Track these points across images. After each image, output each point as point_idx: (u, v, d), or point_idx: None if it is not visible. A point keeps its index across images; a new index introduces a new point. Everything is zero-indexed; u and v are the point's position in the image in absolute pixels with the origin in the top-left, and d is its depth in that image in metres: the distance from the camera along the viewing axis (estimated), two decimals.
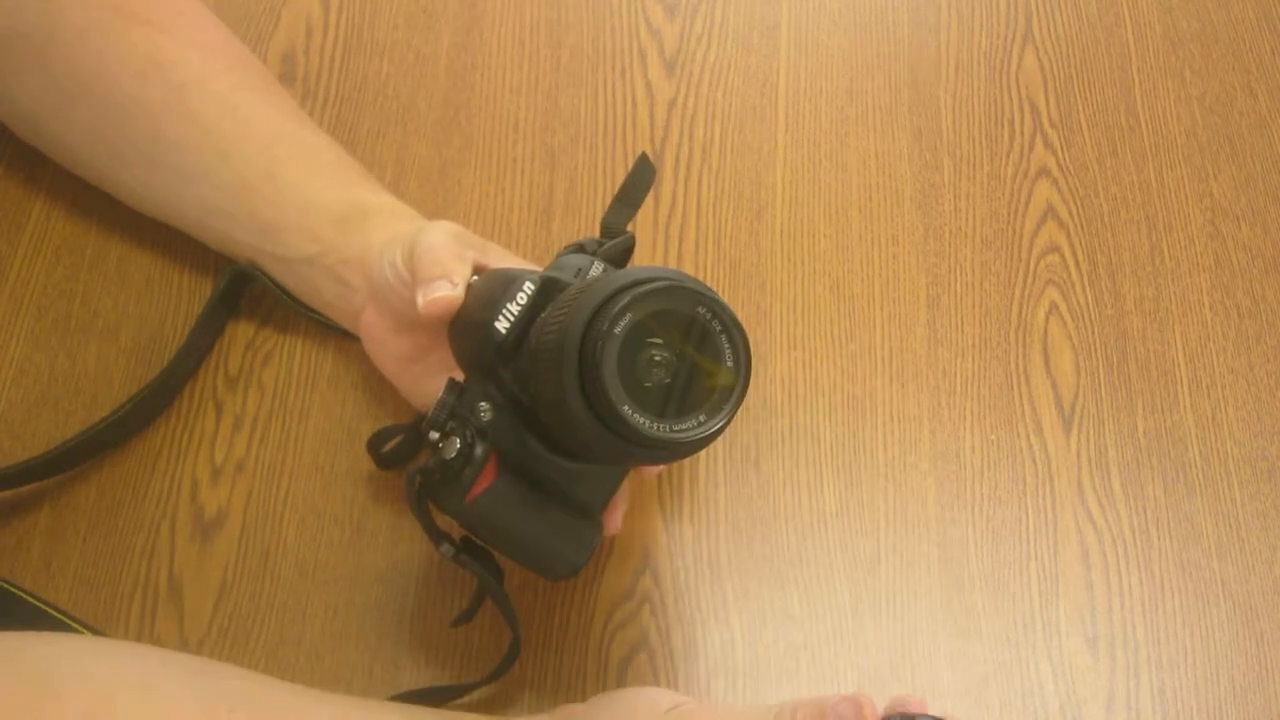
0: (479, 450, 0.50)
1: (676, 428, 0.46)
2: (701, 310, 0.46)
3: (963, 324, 0.70)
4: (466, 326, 0.53)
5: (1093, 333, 0.70)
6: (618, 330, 0.45)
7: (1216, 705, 0.61)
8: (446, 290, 0.53)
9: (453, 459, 0.50)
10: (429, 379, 0.61)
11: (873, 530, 0.64)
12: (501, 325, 0.51)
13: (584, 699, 0.59)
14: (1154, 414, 0.68)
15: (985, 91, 0.78)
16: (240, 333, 0.68)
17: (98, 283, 0.69)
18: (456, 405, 0.52)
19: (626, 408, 0.45)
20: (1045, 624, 0.62)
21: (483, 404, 0.51)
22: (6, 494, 0.62)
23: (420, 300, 0.53)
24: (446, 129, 0.75)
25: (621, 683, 0.60)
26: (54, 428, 0.64)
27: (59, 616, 0.59)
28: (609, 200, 0.71)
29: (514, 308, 0.51)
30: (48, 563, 0.61)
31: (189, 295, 0.68)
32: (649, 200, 0.72)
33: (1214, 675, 0.61)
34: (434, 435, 0.52)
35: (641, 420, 0.45)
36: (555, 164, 0.74)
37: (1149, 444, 0.67)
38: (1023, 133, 0.76)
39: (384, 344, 0.61)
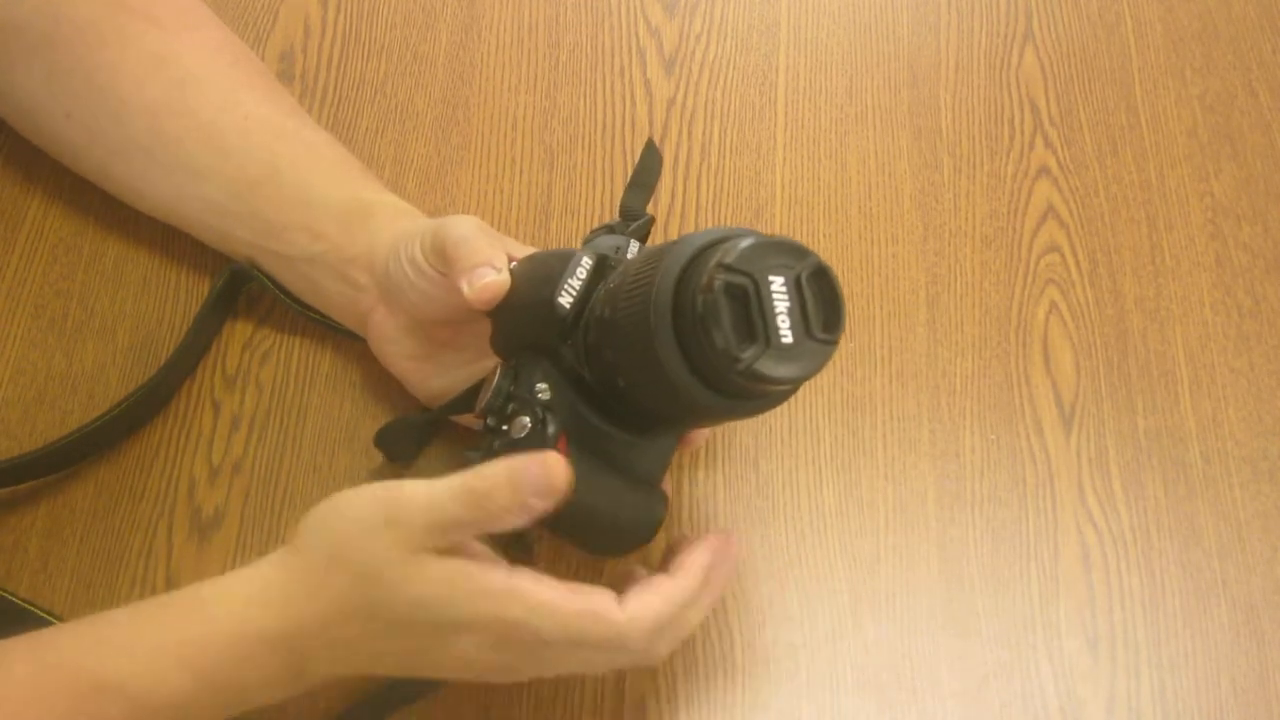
0: (551, 429, 0.49)
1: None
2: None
3: (963, 323, 0.70)
4: (517, 308, 0.53)
5: (1093, 332, 0.70)
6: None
7: (1217, 706, 0.60)
8: (493, 275, 0.53)
9: (523, 439, 0.49)
10: (440, 376, 0.61)
11: (872, 530, 0.64)
12: (565, 300, 0.50)
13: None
14: (1154, 414, 0.68)
15: (985, 90, 0.78)
16: (238, 332, 0.67)
17: (95, 281, 0.68)
18: (513, 388, 0.52)
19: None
20: (1045, 624, 0.62)
21: (541, 384, 0.51)
22: (3, 493, 0.61)
23: (467, 289, 0.53)
24: (445, 128, 0.75)
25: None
26: (51, 427, 0.64)
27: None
28: (608, 199, 0.71)
29: (575, 282, 0.51)
30: (45, 562, 0.61)
31: (186, 294, 0.68)
32: None
33: (1215, 676, 0.61)
34: (492, 421, 0.52)
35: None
36: (554, 163, 0.74)
37: (1149, 444, 0.67)
38: (1023, 132, 0.76)
39: (396, 343, 0.61)
